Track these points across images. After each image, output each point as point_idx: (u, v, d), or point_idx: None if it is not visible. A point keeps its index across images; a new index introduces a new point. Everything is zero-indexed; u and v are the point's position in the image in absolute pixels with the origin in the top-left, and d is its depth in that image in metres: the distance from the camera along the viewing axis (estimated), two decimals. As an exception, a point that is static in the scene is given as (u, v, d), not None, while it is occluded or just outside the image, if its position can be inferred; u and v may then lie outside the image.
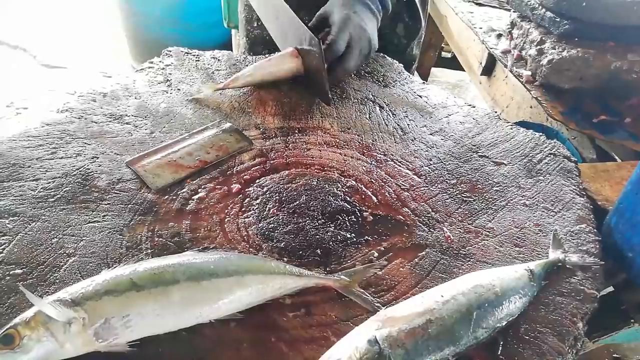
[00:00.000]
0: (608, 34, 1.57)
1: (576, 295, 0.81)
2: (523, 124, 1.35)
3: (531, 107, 1.74)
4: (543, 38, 1.66)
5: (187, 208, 0.91)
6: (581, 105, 1.57)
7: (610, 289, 1.01)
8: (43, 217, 0.85)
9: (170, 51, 1.34)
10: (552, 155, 1.10)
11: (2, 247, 0.79)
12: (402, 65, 1.43)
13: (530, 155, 1.11)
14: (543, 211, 0.97)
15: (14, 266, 0.76)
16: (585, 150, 1.56)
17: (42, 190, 0.89)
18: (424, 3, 1.61)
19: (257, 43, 1.64)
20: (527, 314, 0.78)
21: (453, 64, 3.09)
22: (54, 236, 0.82)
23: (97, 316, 0.64)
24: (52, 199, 0.88)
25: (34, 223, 0.83)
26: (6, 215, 0.84)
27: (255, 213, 0.92)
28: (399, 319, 0.69)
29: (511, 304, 0.75)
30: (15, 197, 0.87)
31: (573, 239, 0.92)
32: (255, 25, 1.62)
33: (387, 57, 1.45)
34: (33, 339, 0.62)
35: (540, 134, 1.17)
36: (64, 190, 0.90)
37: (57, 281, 0.76)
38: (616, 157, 1.54)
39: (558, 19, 1.62)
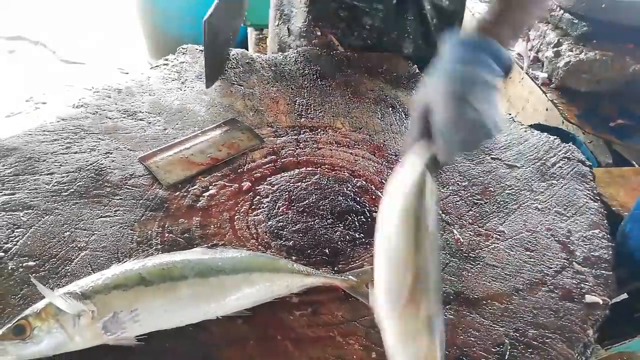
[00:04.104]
0: (627, 36, 1.55)
1: (587, 301, 0.80)
2: (538, 126, 1.33)
3: (547, 109, 1.72)
4: (560, 40, 1.64)
5: (198, 205, 0.92)
6: (598, 108, 1.55)
7: (625, 296, 0.99)
8: (56, 211, 0.86)
9: (185, 48, 1.35)
10: (566, 159, 1.09)
11: (16, 239, 0.80)
12: (417, 67, 1.42)
13: (544, 158, 1.09)
14: (555, 215, 0.96)
15: (27, 258, 0.78)
16: (601, 155, 1.54)
17: (56, 184, 0.91)
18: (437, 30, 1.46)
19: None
20: (536, 319, 0.77)
21: (469, 65, 3.06)
22: (67, 230, 0.83)
23: (106, 310, 0.65)
24: (66, 193, 0.90)
25: (48, 216, 0.85)
26: (21, 208, 0.85)
27: (265, 211, 0.92)
28: None
29: None
30: (30, 190, 0.89)
31: (586, 244, 0.90)
32: (276, 24, 1.59)
33: (401, 58, 1.44)
34: (43, 330, 0.63)
35: (555, 137, 1.16)
36: (78, 184, 0.92)
37: (69, 274, 0.77)
38: (634, 163, 1.51)
39: (576, 21, 1.59)
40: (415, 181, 0.67)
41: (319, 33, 1.45)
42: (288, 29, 1.54)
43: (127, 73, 3.62)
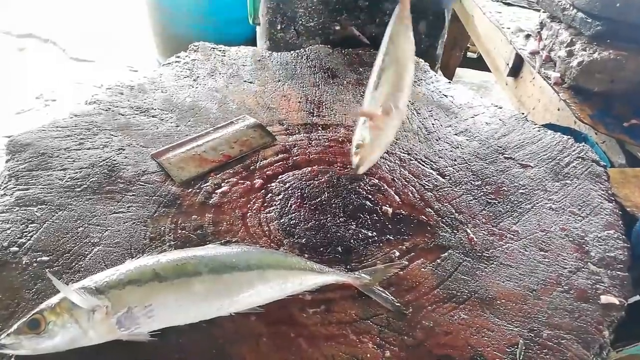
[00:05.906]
0: (642, 36, 1.53)
1: (603, 302, 0.79)
2: (550, 126, 1.32)
3: (559, 109, 1.70)
4: (573, 39, 1.62)
5: (210, 202, 0.92)
6: (611, 108, 1.53)
7: (637, 297, 0.98)
8: (70, 206, 0.86)
9: (197, 46, 1.35)
10: (580, 159, 1.08)
11: (30, 234, 0.80)
12: (428, 64, 1.41)
13: (558, 158, 1.08)
14: (570, 215, 0.95)
15: (41, 253, 0.78)
16: (614, 155, 1.52)
17: (69, 180, 0.91)
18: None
19: (279, 47, 1.63)
20: (551, 320, 0.76)
21: (478, 64, 3.05)
22: (80, 225, 0.84)
23: (120, 305, 0.65)
24: (79, 189, 0.90)
25: (61, 212, 0.85)
26: (35, 204, 0.85)
27: (277, 209, 0.92)
28: None
29: None
30: (43, 186, 0.89)
31: (601, 245, 0.89)
32: (278, 28, 1.60)
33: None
34: (58, 325, 0.63)
35: (569, 137, 1.14)
36: (91, 180, 0.92)
37: (82, 269, 0.77)
38: (647, 163, 1.49)
39: (590, 20, 1.57)
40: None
41: (337, 27, 1.45)
42: (296, 30, 1.53)
43: (136, 71, 3.64)
